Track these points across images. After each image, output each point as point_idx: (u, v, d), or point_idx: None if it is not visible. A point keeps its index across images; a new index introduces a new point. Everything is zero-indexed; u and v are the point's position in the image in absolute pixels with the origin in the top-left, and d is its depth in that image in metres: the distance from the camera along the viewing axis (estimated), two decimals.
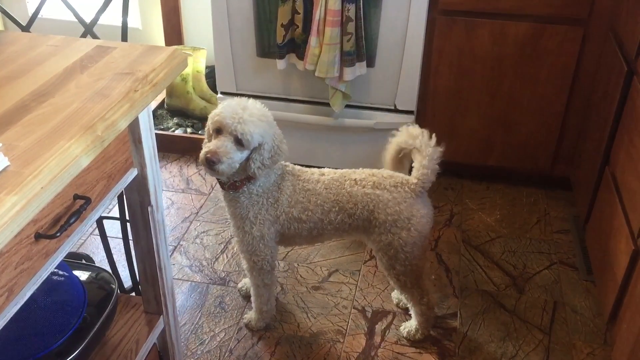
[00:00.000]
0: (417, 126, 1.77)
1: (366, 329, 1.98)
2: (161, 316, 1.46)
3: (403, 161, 1.83)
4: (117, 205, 1.79)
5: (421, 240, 1.76)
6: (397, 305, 2.06)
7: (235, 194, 1.72)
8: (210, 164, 1.58)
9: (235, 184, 1.70)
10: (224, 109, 1.62)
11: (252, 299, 1.92)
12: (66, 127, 0.97)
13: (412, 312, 1.91)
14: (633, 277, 1.66)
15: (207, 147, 1.61)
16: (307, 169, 1.80)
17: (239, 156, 1.61)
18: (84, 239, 2.31)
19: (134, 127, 1.20)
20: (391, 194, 1.72)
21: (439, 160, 1.74)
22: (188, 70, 2.88)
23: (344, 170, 1.80)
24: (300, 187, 1.74)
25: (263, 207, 1.72)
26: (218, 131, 1.62)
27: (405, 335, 1.94)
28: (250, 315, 1.96)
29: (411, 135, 1.75)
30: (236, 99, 1.66)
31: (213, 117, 1.63)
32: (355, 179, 1.75)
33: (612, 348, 1.80)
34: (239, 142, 1.60)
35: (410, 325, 1.93)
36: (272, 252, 1.80)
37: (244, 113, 1.59)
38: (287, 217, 1.74)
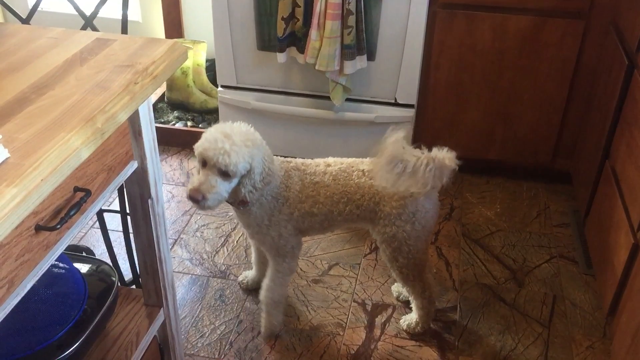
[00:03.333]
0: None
1: (366, 322, 1.99)
2: (161, 309, 1.47)
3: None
4: (117, 198, 1.79)
5: (425, 235, 1.76)
6: (397, 298, 2.06)
7: (245, 207, 1.69)
8: (195, 201, 1.54)
9: (243, 200, 1.66)
10: (206, 139, 1.55)
11: (263, 295, 1.85)
12: (66, 119, 0.97)
13: (412, 305, 1.92)
14: (633, 270, 1.66)
15: (190, 184, 1.55)
16: (311, 160, 1.79)
17: (227, 187, 1.56)
18: (84, 231, 2.31)
19: (134, 120, 1.20)
20: None
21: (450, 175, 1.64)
22: (188, 64, 2.88)
23: (351, 159, 1.78)
24: (308, 180, 1.72)
25: (275, 209, 1.70)
26: (204, 163, 1.56)
27: (405, 328, 1.94)
28: (262, 324, 1.91)
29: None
30: (220, 126, 1.58)
31: (197, 149, 1.56)
32: (363, 170, 1.73)
33: (611, 341, 1.80)
34: (224, 174, 1.54)
35: (410, 318, 1.94)
36: (295, 243, 1.79)
37: (226, 143, 1.52)
38: (300, 212, 1.72)
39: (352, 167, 1.75)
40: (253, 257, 2.04)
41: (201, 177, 1.55)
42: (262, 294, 1.87)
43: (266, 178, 1.62)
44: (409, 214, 1.71)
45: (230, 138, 1.54)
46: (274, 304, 1.87)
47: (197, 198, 1.52)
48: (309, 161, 1.78)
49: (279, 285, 1.84)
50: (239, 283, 2.10)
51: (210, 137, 1.55)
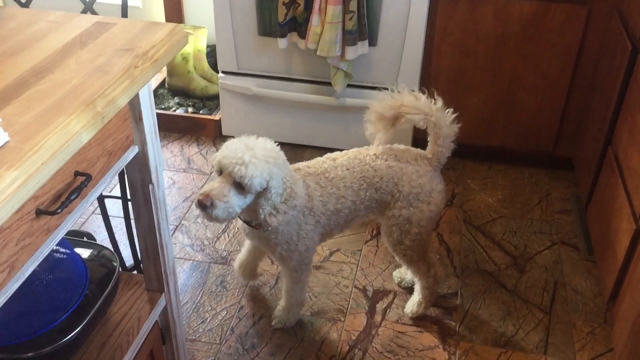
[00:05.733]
0: (423, 96, 1.71)
1: (367, 308, 1.99)
2: (163, 294, 1.47)
3: (391, 126, 1.74)
4: (118, 184, 1.78)
5: (436, 215, 1.78)
6: (399, 284, 2.07)
7: (273, 228, 1.60)
8: (203, 207, 1.44)
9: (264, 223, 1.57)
10: (227, 148, 1.48)
11: (285, 297, 1.86)
12: (66, 103, 0.96)
13: (417, 286, 1.91)
14: (634, 256, 1.66)
15: (202, 190, 1.48)
16: (313, 161, 1.74)
17: (240, 201, 1.47)
18: (85, 217, 2.31)
19: (134, 104, 1.19)
20: (414, 167, 1.72)
21: (455, 137, 1.74)
22: (189, 50, 2.86)
23: (354, 149, 1.76)
24: (324, 180, 1.67)
25: (302, 221, 1.64)
26: (220, 173, 1.49)
27: (409, 314, 1.94)
28: (279, 315, 1.90)
29: (422, 108, 1.68)
30: (244, 138, 1.51)
31: (215, 157, 1.50)
32: (375, 154, 1.72)
33: (612, 327, 1.80)
34: (239, 186, 1.46)
35: (412, 302, 1.94)
36: (313, 253, 1.76)
37: (246, 154, 1.44)
38: (325, 216, 1.68)
39: (361, 153, 1.73)
40: (246, 245, 1.97)
41: (214, 183, 1.47)
42: (285, 298, 1.87)
43: (290, 201, 1.53)
44: (426, 194, 1.72)
45: (252, 150, 1.46)
46: (297, 303, 1.87)
47: (206, 203, 1.43)
48: (311, 162, 1.73)
49: (300, 290, 1.84)
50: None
51: (231, 146, 1.48)
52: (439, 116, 1.70)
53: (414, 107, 1.68)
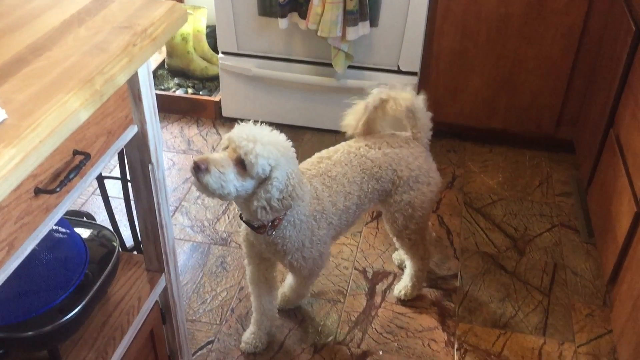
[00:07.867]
0: (397, 86, 1.73)
1: (367, 289, 1.99)
2: (163, 274, 1.47)
3: (372, 125, 1.77)
4: (118, 165, 1.78)
5: (437, 195, 1.79)
6: (399, 266, 2.07)
7: (278, 231, 1.53)
8: (196, 170, 1.35)
9: (273, 222, 1.50)
10: (238, 127, 1.43)
11: (287, 289, 1.87)
12: (64, 81, 0.95)
13: (409, 269, 1.91)
14: (634, 239, 1.66)
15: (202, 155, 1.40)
16: (309, 163, 1.69)
17: (238, 182, 1.38)
18: (85, 198, 2.31)
19: (133, 83, 1.18)
20: (408, 150, 1.72)
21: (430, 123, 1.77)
22: (189, 30, 2.84)
23: (342, 144, 1.73)
24: (328, 180, 1.63)
25: (314, 227, 1.57)
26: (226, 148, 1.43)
27: (401, 296, 1.94)
28: (279, 298, 1.88)
29: (401, 100, 1.69)
30: (257, 125, 1.44)
31: (226, 135, 1.43)
32: (366, 144, 1.71)
33: (611, 309, 1.81)
34: (241, 164, 1.37)
35: (404, 285, 1.94)
36: (327, 257, 1.72)
37: (257, 134, 1.38)
38: (336, 216, 1.63)
39: (352, 146, 1.71)
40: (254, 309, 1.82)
41: (215, 153, 1.40)
42: (288, 290, 1.87)
43: (286, 199, 1.42)
44: (425, 174, 1.72)
45: (263, 132, 1.41)
46: (299, 296, 1.88)
47: (201, 166, 1.34)
48: (306, 164, 1.68)
49: (305, 288, 1.85)
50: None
51: (243, 127, 1.42)
52: (414, 104, 1.70)
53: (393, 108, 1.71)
